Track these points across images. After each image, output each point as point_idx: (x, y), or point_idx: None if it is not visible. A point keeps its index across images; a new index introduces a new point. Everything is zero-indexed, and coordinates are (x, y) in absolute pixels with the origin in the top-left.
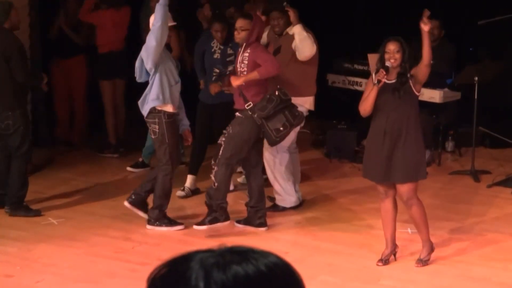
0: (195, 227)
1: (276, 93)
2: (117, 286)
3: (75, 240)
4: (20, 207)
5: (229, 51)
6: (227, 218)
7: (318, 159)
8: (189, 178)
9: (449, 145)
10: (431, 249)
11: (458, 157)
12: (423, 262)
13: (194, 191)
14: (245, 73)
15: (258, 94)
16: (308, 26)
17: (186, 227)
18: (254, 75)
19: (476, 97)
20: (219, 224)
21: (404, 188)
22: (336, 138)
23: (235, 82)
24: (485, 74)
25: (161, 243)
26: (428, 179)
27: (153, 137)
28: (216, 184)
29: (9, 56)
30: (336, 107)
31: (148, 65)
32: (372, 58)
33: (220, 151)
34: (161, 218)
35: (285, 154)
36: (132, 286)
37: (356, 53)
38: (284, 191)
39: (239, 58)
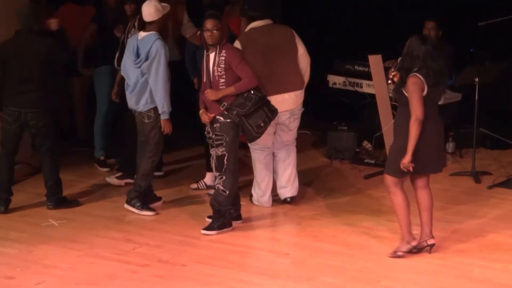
0: (203, 231)
1: (252, 92)
2: (118, 287)
3: (75, 242)
4: (61, 200)
5: None
6: (231, 224)
7: (318, 160)
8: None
9: (450, 146)
10: (408, 244)
11: (458, 158)
12: (394, 254)
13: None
14: (223, 77)
15: (232, 95)
16: (309, 26)
17: (184, 228)
18: (231, 90)
19: (476, 98)
20: (226, 229)
21: (384, 177)
22: (337, 139)
23: (213, 97)
24: (486, 75)
25: (162, 245)
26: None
27: (146, 121)
28: (227, 192)
29: (44, 57)
30: (336, 108)
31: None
32: (373, 60)
33: (225, 161)
34: (135, 199)
35: (259, 152)
36: (132, 287)
37: (357, 54)
38: (257, 188)
39: (215, 61)
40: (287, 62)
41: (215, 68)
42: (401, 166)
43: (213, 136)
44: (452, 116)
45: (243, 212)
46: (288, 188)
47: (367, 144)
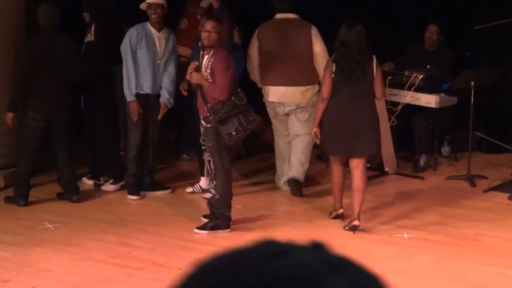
0: (195, 230)
1: (232, 98)
2: None
3: (71, 245)
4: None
5: None
6: (227, 226)
7: (312, 162)
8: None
9: (445, 150)
10: (335, 211)
11: (454, 162)
12: (330, 215)
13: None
14: (209, 80)
15: (215, 99)
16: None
17: (180, 231)
18: (206, 85)
19: (472, 102)
20: (219, 231)
21: None
22: None
23: (195, 79)
24: (482, 79)
25: (157, 248)
26: (424, 183)
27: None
28: (217, 196)
29: (62, 58)
30: None
31: None
32: None
33: (212, 165)
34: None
35: (278, 138)
36: None
37: None
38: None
39: (204, 63)
40: (297, 57)
41: (204, 69)
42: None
43: (202, 142)
44: (448, 120)
45: (239, 215)
46: (292, 169)
47: None
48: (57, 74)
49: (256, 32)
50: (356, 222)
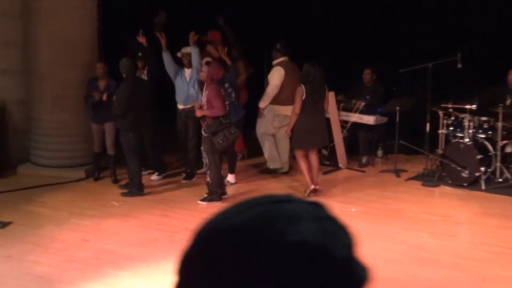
0: (199, 201)
1: (220, 118)
2: (158, 247)
3: (130, 217)
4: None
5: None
6: (220, 199)
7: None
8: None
9: (380, 153)
10: (308, 189)
11: (385, 161)
12: (304, 193)
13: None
14: (205, 105)
15: (210, 116)
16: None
17: (204, 207)
18: (208, 113)
19: (397, 120)
20: (214, 202)
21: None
22: None
23: (198, 114)
24: (404, 105)
25: (188, 219)
26: (365, 175)
27: None
28: (210, 180)
29: (141, 92)
30: None
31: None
32: (329, 95)
33: (207, 161)
34: None
35: (267, 136)
36: (168, 248)
37: None
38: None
39: (203, 92)
40: (295, 85)
41: (202, 97)
42: (285, 133)
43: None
44: (381, 132)
45: (232, 190)
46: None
47: (324, 151)
48: (144, 102)
49: (281, 69)
50: (317, 187)
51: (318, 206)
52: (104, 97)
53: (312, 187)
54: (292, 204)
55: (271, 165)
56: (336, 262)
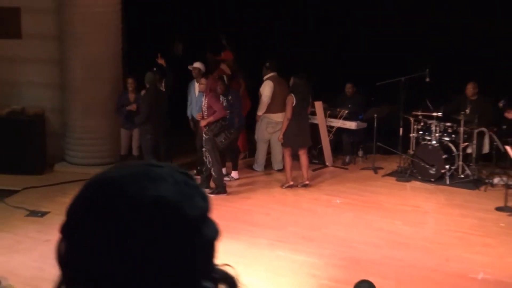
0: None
1: (219, 121)
2: None
3: None
4: None
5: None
6: (225, 191)
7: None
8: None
9: (360, 153)
10: (287, 183)
11: (365, 160)
12: (282, 186)
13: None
14: (205, 112)
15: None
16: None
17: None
18: (212, 119)
19: (375, 125)
20: (221, 195)
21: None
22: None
23: (202, 124)
24: (381, 113)
25: None
26: (348, 172)
27: None
28: (216, 175)
29: (162, 101)
30: None
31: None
32: (317, 104)
33: (210, 160)
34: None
35: (262, 142)
36: None
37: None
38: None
39: (203, 101)
40: (284, 96)
41: (203, 105)
42: (278, 139)
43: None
44: (362, 135)
45: (237, 186)
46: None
47: (313, 152)
48: (164, 111)
49: (271, 83)
50: (307, 182)
51: (186, 175)
52: (134, 107)
53: (291, 182)
54: (162, 169)
55: (255, 166)
56: (186, 220)
